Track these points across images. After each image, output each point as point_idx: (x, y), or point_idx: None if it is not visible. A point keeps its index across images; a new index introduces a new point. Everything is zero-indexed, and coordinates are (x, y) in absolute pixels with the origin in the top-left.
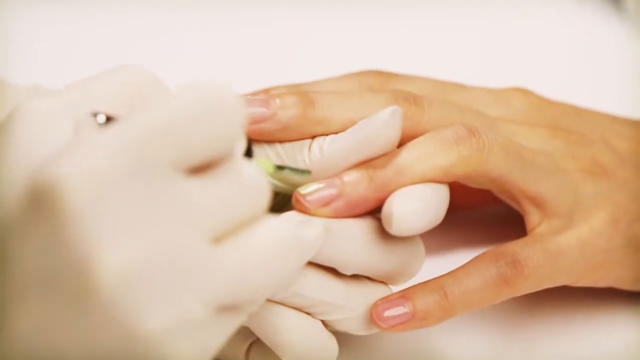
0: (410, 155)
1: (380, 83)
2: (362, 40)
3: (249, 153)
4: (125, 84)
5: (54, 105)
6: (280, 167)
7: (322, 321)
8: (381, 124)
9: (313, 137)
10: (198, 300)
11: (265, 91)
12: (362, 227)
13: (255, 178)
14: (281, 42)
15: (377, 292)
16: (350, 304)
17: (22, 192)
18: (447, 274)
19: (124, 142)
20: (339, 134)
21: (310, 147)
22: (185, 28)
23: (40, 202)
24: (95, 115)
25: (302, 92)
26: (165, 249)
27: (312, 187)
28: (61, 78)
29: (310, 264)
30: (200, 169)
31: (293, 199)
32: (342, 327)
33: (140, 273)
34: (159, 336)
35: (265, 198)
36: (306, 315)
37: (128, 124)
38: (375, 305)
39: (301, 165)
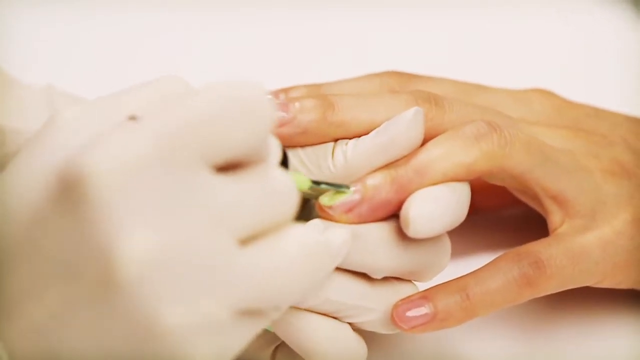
0: (431, 154)
1: (400, 84)
2: (376, 40)
3: (284, 163)
4: (161, 94)
5: (90, 111)
6: (316, 183)
7: (349, 323)
8: (404, 126)
9: (334, 141)
10: (221, 301)
11: (285, 91)
12: (387, 231)
13: (285, 184)
14: (294, 41)
15: (404, 291)
16: (377, 305)
17: (51, 182)
18: (468, 274)
19: (153, 134)
20: (362, 137)
21: (333, 152)
22: (187, 28)
23: (67, 191)
24: (132, 119)
25: (322, 95)
26: (190, 244)
27: (335, 196)
28: (61, 78)
29: (338, 269)
30: (230, 168)
31: (317, 207)
32: (369, 327)
33: (163, 266)
34: (178, 334)
35: (294, 205)
36: (334, 320)
37: (158, 118)
38: (396, 306)
39: (326, 172)
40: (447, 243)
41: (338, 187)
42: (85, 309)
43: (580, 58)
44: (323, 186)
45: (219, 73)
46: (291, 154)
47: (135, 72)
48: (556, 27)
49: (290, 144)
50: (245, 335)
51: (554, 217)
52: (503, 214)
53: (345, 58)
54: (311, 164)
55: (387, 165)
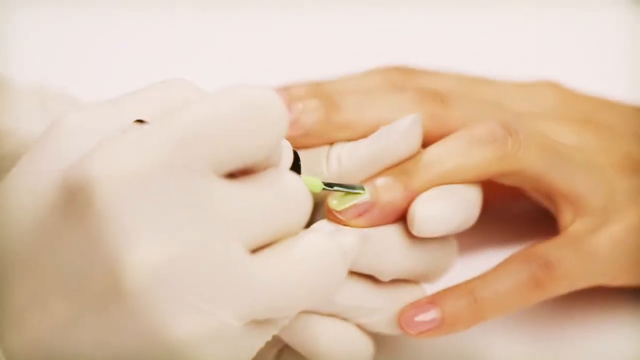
0: (443, 155)
1: (403, 79)
2: (378, 35)
3: (296, 167)
4: (169, 97)
5: (95, 115)
6: (329, 185)
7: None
8: (401, 134)
9: (331, 144)
10: (232, 312)
11: (285, 89)
12: (396, 234)
13: (297, 191)
14: (296, 39)
15: (410, 292)
16: (384, 307)
17: (55, 189)
18: (476, 277)
19: (162, 140)
20: (358, 143)
21: (328, 156)
22: (186, 27)
23: (72, 198)
24: (138, 123)
25: (325, 95)
26: (199, 253)
27: (345, 201)
28: (60, 77)
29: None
30: (240, 175)
31: (325, 211)
32: (376, 328)
33: (172, 276)
34: (187, 345)
35: (307, 212)
36: (341, 320)
37: (167, 123)
38: (403, 311)
39: (319, 175)
40: (453, 245)
41: (352, 189)
42: (91, 320)
43: (583, 56)
44: (336, 188)
45: (219, 72)
46: None
47: (134, 72)
48: (559, 25)
49: (292, 145)
50: (255, 344)
51: (565, 215)
52: (509, 208)
53: (347, 55)
54: (305, 167)
55: (395, 168)
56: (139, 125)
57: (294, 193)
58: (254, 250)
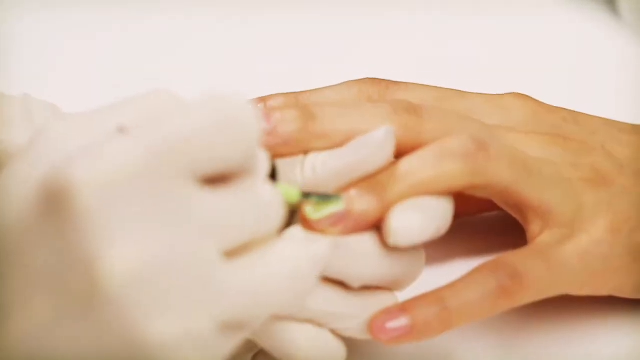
0: (416, 168)
1: (379, 92)
2: (358, 43)
3: (273, 175)
4: (151, 108)
5: (79, 123)
6: (306, 195)
7: (329, 329)
8: (374, 146)
9: (305, 153)
10: (206, 315)
11: (262, 99)
12: (368, 241)
13: (271, 198)
14: (279, 45)
15: (382, 298)
16: (357, 313)
17: (37, 192)
18: (445, 286)
19: (141, 146)
20: (332, 152)
21: (303, 165)
22: (183, 30)
23: (52, 202)
24: (120, 130)
25: (303, 106)
26: (175, 257)
27: (321, 210)
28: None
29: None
30: (216, 181)
31: (300, 218)
32: (348, 333)
33: (147, 279)
34: (162, 347)
35: (279, 218)
36: (313, 326)
37: (146, 131)
38: (374, 317)
39: (293, 183)
40: (422, 254)
41: (329, 199)
42: (72, 321)
43: (576, 62)
44: (313, 197)
45: (205, 78)
46: None
47: (132, 73)
48: (551, 31)
49: (270, 154)
50: (228, 346)
51: (534, 227)
52: (479, 219)
53: (341, 62)
54: (283, 174)
55: (370, 179)
56: (119, 132)
57: (268, 201)
58: (229, 255)
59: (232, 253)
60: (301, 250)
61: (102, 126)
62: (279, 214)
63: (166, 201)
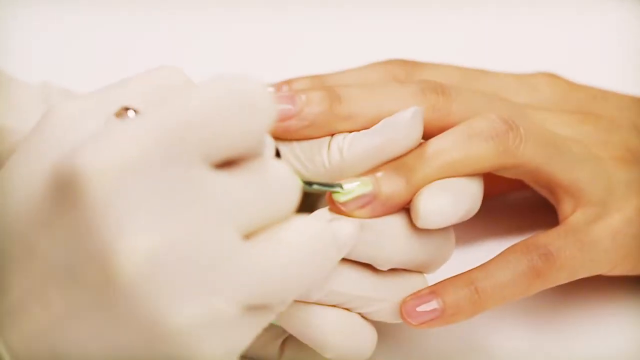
0: (445, 149)
1: (405, 73)
2: (366, 41)
3: (277, 157)
4: (158, 85)
5: (85, 104)
6: (308, 183)
7: (358, 313)
8: (402, 127)
9: (332, 135)
10: (228, 298)
11: (288, 82)
12: (396, 223)
13: (285, 177)
14: (286, 43)
15: (412, 281)
16: (386, 296)
17: (47, 183)
18: (477, 267)
19: (151, 131)
20: (359, 134)
21: (329, 147)
22: (186, 26)
23: (64, 191)
24: (126, 109)
25: (328, 87)
26: (192, 241)
27: (348, 191)
28: (61, 77)
29: (345, 260)
30: (229, 164)
31: (327, 201)
32: (378, 317)
33: (165, 265)
34: (185, 333)
35: (295, 197)
36: (343, 310)
37: (156, 114)
38: (404, 301)
39: (319, 167)
40: (451, 235)
41: (330, 188)
42: (89, 313)
43: (586, 53)
44: (315, 186)
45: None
46: (287, 148)
47: (134, 71)
48: (561, 23)
49: (296, 136)
50: (253, 329)
51: (565, 206)
52: (510, 199)
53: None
54: (306, 158)
55: (397, 161)
56: (126, 114)
57: (282, 179)
58: (247, 236)
59: (253, 234)
60: (323, 228)
61: (111, 105)
62: (295, 191)
63: (180, 187)
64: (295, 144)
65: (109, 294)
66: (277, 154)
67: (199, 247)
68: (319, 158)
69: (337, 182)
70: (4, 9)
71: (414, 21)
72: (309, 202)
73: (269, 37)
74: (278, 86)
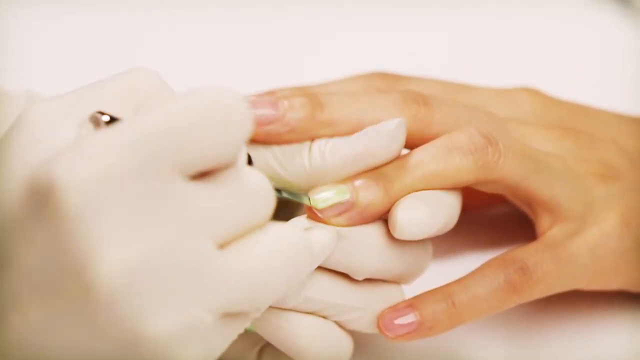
0: (424, 161)
1: (387, 85)
2: (365, 41)
3: (248, 161)
4: (132, 87)
5: (58, 106)
6: (277, 190)
7: (335, 321)
8: (385, 137)
9: (313, 140)
10: (204, 306)
11: (271, 93)
12: (373, 233)
13: (259, 185)
14: (286, 43)
15: (388, 291)
16: (362, 305)
17: (22, 193)
18: (454, 281)
19: (126, 141)
20: (342, 139)
21: (310, 149)
22: (187, 28)
23: (39, 201)
24: (100, 114)
25: (311, 94)
26: (168, 251)
27: (326, 198)
28: (60, 78)
29: (320, 268)
30: (203, 174)
31: (305, 207)
32: (354, 326)
33: (142, 275)
34: (163, 341)
35: (271, 204)
36: (319, 318)
37: (131, 124)
38: (382, 314)
39: (299, 169)
40: (429, 247)
41: (299, 198)
42: (68, 323)
43: (570, 59)
44: (284, 194)
45: (222, 75)
46: (266, 150)
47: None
48: (545, 28)
49: (277, 141)
50: (228, 336)
51: (543, 221)
52: (489, 213)
53: (331, 59)
54: (285, 159)
55: (376, 171)
56: (100, 119)
57: (257, 186)
58: (223, 245)
59: (228, 242)
60: (299, 236)
61: (84, 108)
62: (271, 199)
63: (156, 198)
64: (275, 148)
65: (87, 304)
66: (249, 161)
67: (175, 258)
68: (300, 160)
69: (305, 193)
70: (4, 8)
71: (414, 21)
72: (289, 209)
73: (269, 37)
74: (261, 96)
